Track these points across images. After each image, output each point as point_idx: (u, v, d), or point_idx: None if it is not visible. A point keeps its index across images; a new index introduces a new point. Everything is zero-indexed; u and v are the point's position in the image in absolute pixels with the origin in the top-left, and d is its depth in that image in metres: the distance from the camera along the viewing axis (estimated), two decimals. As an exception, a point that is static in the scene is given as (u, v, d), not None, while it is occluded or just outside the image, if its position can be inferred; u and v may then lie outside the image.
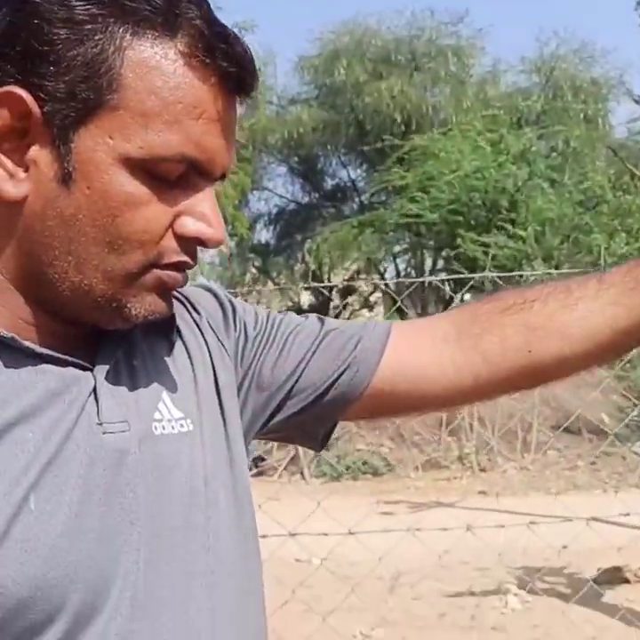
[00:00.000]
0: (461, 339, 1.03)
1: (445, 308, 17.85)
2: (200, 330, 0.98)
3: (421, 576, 5.92)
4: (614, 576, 5.74)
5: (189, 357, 0.94)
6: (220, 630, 0.85)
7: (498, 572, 6.02)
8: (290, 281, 21.17)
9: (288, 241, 20.64)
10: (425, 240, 16.28)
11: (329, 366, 1.02)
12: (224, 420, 0.94)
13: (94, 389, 0.83)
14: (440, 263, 17.40)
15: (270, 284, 19.23)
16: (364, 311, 21.42)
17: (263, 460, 11.03)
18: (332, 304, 20.93)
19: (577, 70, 18.48)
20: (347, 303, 21.18)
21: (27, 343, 0.80)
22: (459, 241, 13.32)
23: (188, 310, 0.99)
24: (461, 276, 8.56)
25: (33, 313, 0.82)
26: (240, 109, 0.84)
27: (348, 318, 21.65)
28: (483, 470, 10.65)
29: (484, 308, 1.05)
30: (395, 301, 17.35)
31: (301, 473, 10.71)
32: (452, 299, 17.57)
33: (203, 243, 0.83)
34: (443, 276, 16.36)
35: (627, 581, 5.71)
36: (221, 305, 1.03)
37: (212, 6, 0.82)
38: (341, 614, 4.84)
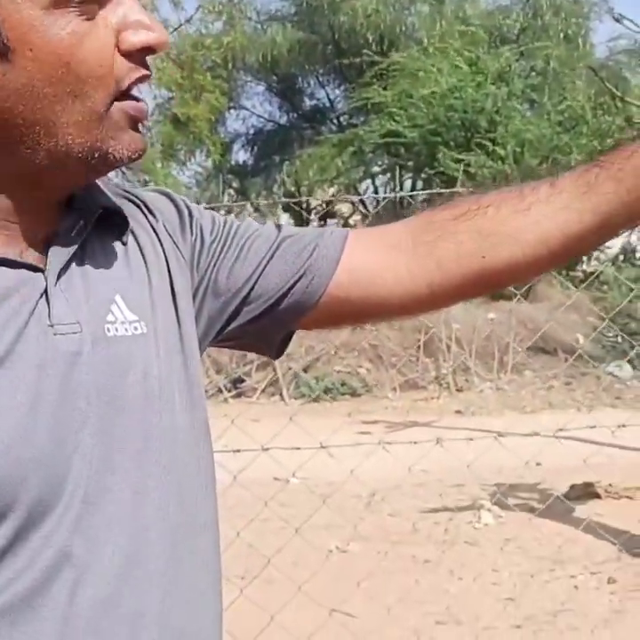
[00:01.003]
0: (416, 246, 1.03)
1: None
2: (156, 233, 0.97)
3: (398, 494, 6.04)
4: (585, 491, 5.88)
5: (144, 260, 0.93)
6: (169, 527, 0.86)
7: (472, 488, 6.15)
8: (268, 202, 21.01)
9: (266, 162, 20.42)
10: (403, 161, 16.17)
11: (285, 273, 1.02)
12: (179, 323, 0.94)
13: (45, 291, 0.82)
14: (419, 185, 17.30)
15: (248, 205, 19.10)
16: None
17: (243, 381, 11.11)
18: (311, 226, 20.85)
19: (558, -13, 18.17)
20: (325, 225, 21.11)
21: None
22: (439, 158, 13.25)
23: (143, 213, 0.97)
24: (436, 190, 8.52)
25: None
26: None
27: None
28: (459, 390, 10.78)
29: (438, 216, 1.05)
30: (373, 223, 17.32)
31: (280, 394, 10.81)
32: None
33: (151, 49, 0.81)
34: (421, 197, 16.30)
35: (598, 497, 5.85)
36: (178, 209, 1.01)
37: None
38: (318, 530, 4.95)
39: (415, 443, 3.57)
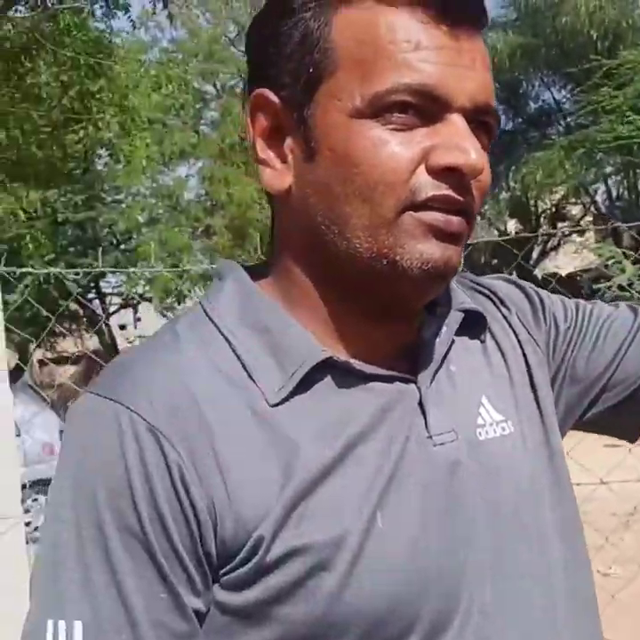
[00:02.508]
0: None
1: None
2: (510, 325, 0.97)
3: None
4: None
5: (503, 356, 0.94)
6: (559, 636, 0.86)
7: None
8: (494, 209, 20.79)
9: (493, 169, 20.15)
10: (638, 159, 15.53)
11: None
12: (541, 416, 0.93)
13: (420, 401, 0.84)
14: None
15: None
16: (574, 237, 20.78)
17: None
18: (540, 230, 20.42)
19: None
20: (555, 229, 20.59)
21: (357, 365, 0.83)
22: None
23: (495, 305, 0.97)
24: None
25: (352, 319, 0.85)
26: (473, 38, 0.81)
27: (558, 245, 21.10)
28: None
29: None
30: (606, 224, 16.69)
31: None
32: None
33: (459, 170, 0.79)
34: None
35: None
36: (528, 298, 1.01)
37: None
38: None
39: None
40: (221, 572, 0.77)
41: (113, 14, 11.12)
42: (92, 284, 18.01)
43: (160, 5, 11.11)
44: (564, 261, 21.37)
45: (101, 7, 10.84)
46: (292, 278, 0.86)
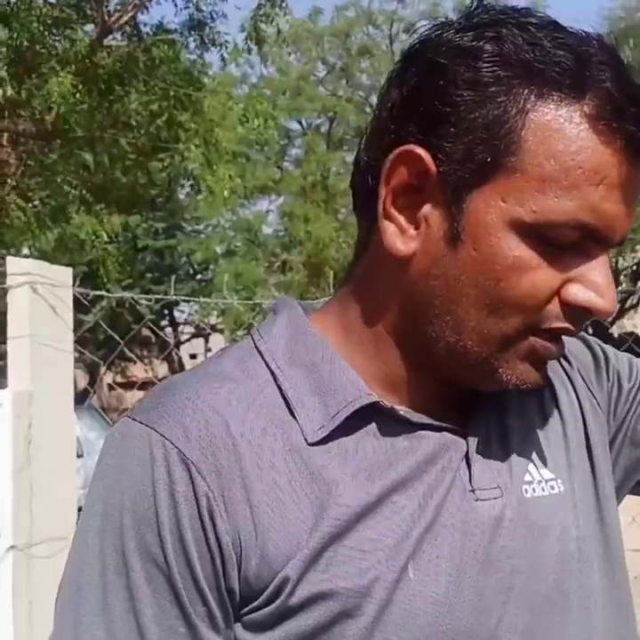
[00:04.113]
0: None
1: None
2: (571, 380, 0.94)
3: None
4: None
5: (559, 412, 0.91)
6: None
7: None
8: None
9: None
10: None
11: None
12: (594, 478, 0.90)
13: (466, 454, 0.82)
14: None
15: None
16: (656, 296, 20.38)
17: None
18: (618, 288, 20.08)
19: None
20: (634, 287, 20.23)
21: (403, 413, 0.81)
22: None
23: (558, 360, 0.93)
24: None
25: (409, 370, 0.83)
26: None
27: (637, 303, 20.70)
28: None
29: None
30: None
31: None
32: None
33: (590, 312, 0.78)
34: None
35: None
36: (593, 352, 0.98)
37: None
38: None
39: None
40: (244, 610, 0.76)
41: (206, 48, 11.33)
42: (166, 312, 18.24)
43: (254, 45, 11.27)
44: (645, 321, 20.96)
45: (194, 40, 11.04)
46: (361, 320, 0.85)
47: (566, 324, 0.79)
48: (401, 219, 0.79)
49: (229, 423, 0.78)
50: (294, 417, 0.79)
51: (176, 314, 19.17)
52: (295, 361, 0.82)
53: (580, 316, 0.79)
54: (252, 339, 0.85)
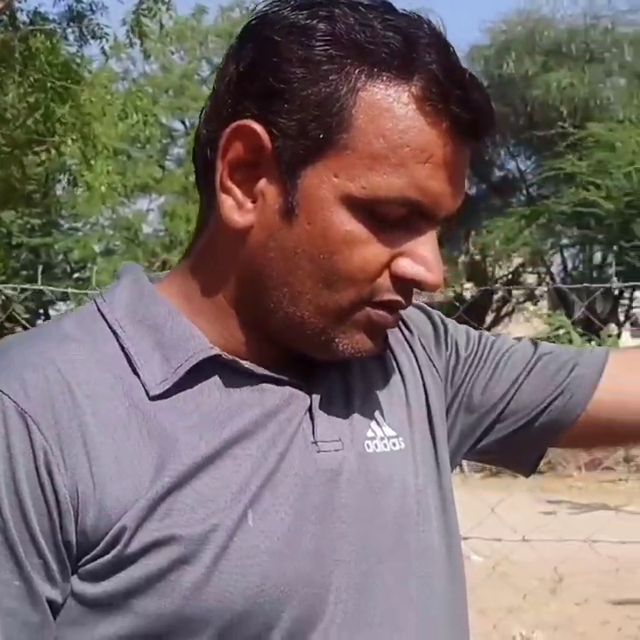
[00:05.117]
0: None
1: (614, 303, 17.33)
2: (411, 348, 0.97)
3: (586, 581, 5.76)
4: None
5: (401, 376, 0.94)
6: None
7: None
8: (453, 273, 20.98)
9: (453, 232, 20.40)
10: (594, 233, 15.77)
11: (542, 391, 0.99)
12: (434, 440, 0.94)
13: (310, 408, 0.84)
14: (610, 257, 16.82)
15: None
16: (528, 304, 21.00)
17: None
18: (494, 297, 20.62)
19: None
20: (509, 296, 20.81)
21: (246, 364, 0.83)
22: (633, 231, 12.85)
23: (399, 328, 0.98)
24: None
25: (250, 335, 0.85)
26: (470, 153, 0.83)
27: (512, 311, 21.31)
28: (650, 474, 10.26)
29: None
30: (560, 295, 16.97)
31: (460, 466, 10.63)
32: (622, 293, 17.00)
33: (419, 285, 0.82)
34: (612, 270, 15.85)
35: None
36: (433, 323, 1.02)
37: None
38: (501, 615, 4.79)
39: (623, 543, 3.38)
40: (81, 562, 0.76)
41: (85, 40, 11.13)
42: (42, 311, 17.80)
43: (136, 39, 11.12)
44: (516, 328, 21.55)
45: (73, 32, 10.83)
46: (201, 290, 0.85)
47: (397, 297, 0.82)
48: (238, 192, 0.80)
49: (70, 380, 0.78)
50: (136, 373, 0.80)
51: (52, 312, 18.73)
52: (137, 320, 0.83)
53: (409, 289, 0.83)
54: (95, 302, 0.85)
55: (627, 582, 5.79)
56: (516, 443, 1.01)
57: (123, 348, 0.81)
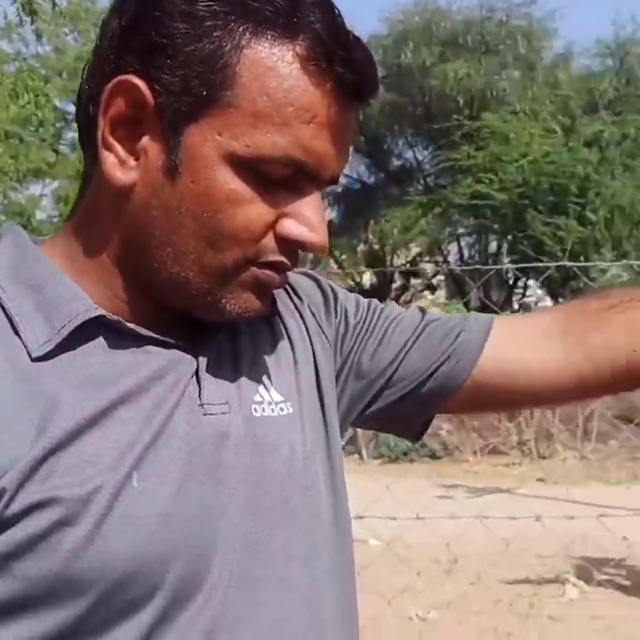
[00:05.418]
0: (565, 336, 1.01)
1: (509, 292, 17.75)
2: (301, 315, 0.98)
3: (479, 561, 5.88)
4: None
5: (290, 342, 0.94)
6: (314, 613, 0.85)
7: (557, 560, 5.96)
8: (352, 261, 21.13)
9: (352, 221, 20.57)
10: (490, 223, 16.11)
11: (429, 357, 1.01)
12: (322, 406, 0.94)
13: (196, 371, 0.84)
14: (505, 247, 17.20)
15: (333, 264, 19.19)
16: (426, 293, 21.34)
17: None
18: (393, 285, 20.88)
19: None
20: (408, 284, 21.11)
21: (131, 326, 0.81)
22: (527, 221, 13.17)
23: (289, 296, 0.98)
24: (528, 265, 8.58)
25: (135, 296, 0.83)
26: (355, 115, 0.83)
27: (410, 300, 21.61)
28: (542, 457, 10.54)
29: (588, 306, 1.03)
30: (457, 284, 17.28)
31: (359, 453, 10.71)
32: (516, 281, 17.42)
33: (303, 246, 0.82)
34: (506, 259, 16.22)
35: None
36: (323, 291, 1.02)
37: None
38: (397, 595, 4.84)
39: (513, 518, 3.47)
40: None
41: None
42: None
43: (27, 19, 10.80)
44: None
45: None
46: (85, 250, 0.84)
47: (282, 258, 0.82)
48: (120, 149, 0.79)
49: None
50: (19, 335, 0.78)
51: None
52: (19, 280, 0.81)
53: (294, 250, 0.83)
54: None
55: (517, 561, 5.94)
56: (404, 408, 1.02)
57: (4, 309, 0.79)
